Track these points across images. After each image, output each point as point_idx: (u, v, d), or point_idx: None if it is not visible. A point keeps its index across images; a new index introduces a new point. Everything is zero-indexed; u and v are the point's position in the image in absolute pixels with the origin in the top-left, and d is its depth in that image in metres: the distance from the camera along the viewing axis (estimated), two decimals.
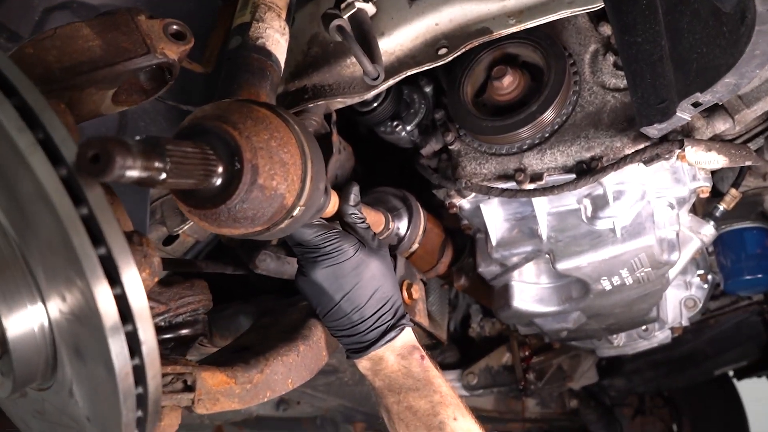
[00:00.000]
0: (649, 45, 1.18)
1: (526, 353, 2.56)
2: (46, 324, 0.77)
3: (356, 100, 1.57)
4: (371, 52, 1.38)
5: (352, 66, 1.53)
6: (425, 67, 1.47)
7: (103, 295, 0.67)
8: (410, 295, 1.57)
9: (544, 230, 1.62)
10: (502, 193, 1.52)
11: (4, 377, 0.80)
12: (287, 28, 1.33)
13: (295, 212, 0.98)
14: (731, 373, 3.36)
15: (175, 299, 0.92)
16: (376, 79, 1.39)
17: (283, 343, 1.13)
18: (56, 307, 0.74)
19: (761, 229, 1.94)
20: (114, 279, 0.68)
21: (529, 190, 1.51)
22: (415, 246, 1.67)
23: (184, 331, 0.94)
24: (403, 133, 1.74)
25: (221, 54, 1.37)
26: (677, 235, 1.63)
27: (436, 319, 2.21)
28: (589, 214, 1.58)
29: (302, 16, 1.56)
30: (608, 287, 1.68)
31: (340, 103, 1.59)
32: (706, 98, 1.08)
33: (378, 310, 1.24)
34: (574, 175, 1.47)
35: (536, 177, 1.51)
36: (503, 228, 1.71)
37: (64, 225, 0.65)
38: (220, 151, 0.87)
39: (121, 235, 0.68)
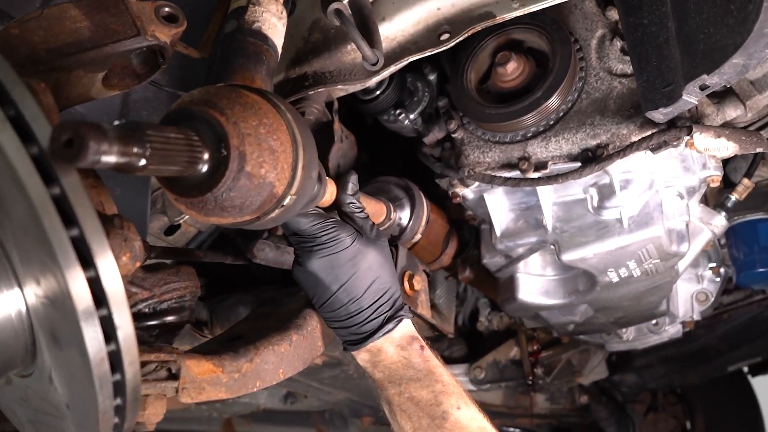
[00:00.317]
0: (655, 27, 1.14)
1: (535, 347, 2.53)
2: (24, 309, 0.75)
3: (358, 87, 1.54)
4: (371, 37, 1.35)
5: (353, 52, 1.50)
6: (427, 53, 1.44)
7: (75, 277, 0.64)
8: (412, 286, 1.54)
9: (549, 220, 1.59)
10: (505, 182, 1.49)
11: None
12: (285, 12, 1.30)
13: (286, 201, 0.96)
14: (746, 369, 3.29)
15: (160, 285, 0.90)
16: (375, 64, 1.36)
17: (276, 333, 1.11)
18: (32, 291, 0.72)
19: None
20: (87, 261, 0.65)
21: (533, 179, 1.47)
22: (418, 237, 1.64)
23: (170, 318, 0.92)
24: (406, 122, 1.71)
25: (217, 38, 1.35)
26: (687, 225, 1.59)
27: (443, 312, 2.18)
28: (595, 203, 1.54)
29: (303, 2, 1.54)
30: (615, 279, 1.64)
31: (341, 90, 1.56)
32: (713, 80, 1.04)
33: (375, 301, 1.21)
34: (579, 164, 1.43)
35: (541, 165, 1.48)
36: (508, 218, 1.67)
37: (34, 205, 0.63)
38: (206, 137, 0.85)
39: (95, 216, 0.66)
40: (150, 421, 0.87)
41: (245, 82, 1.15)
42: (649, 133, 1.37)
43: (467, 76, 1.56)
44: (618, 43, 1.45)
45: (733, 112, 1.44)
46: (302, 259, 1.20)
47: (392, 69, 1.47)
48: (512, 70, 1.49)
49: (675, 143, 1.35)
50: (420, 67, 1.74)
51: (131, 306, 0.86)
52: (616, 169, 1.46)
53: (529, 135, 1.49)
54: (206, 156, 0.83)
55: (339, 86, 1.52)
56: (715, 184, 1.54)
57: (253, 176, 0.87)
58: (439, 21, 1.44)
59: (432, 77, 1.73)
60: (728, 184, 1.85)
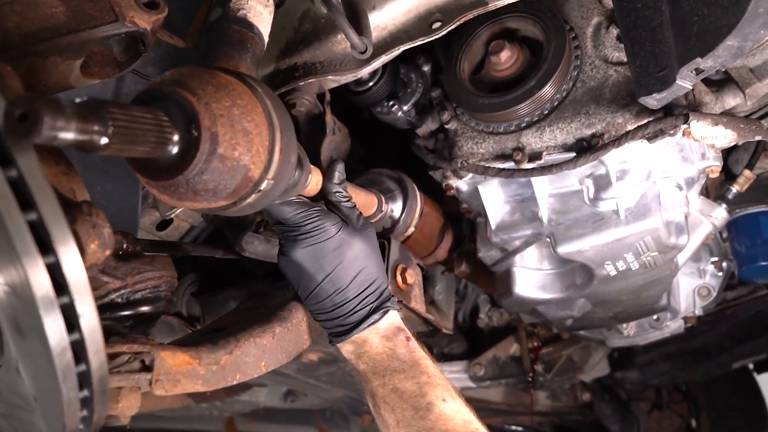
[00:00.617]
0: (648, 10, 1.11)
1: (535, 344, 2.49)
2: None
3: (349, 77, 1.51)
4: (359, 24, 1.32)
5: (344, 42, 1.47)
6: (418, 42, 1.41)
7: (34, 264, 0.62)
8: (405, 279, 1.52)
9: (544, 212, 1.56)
10: (498, 172, 1.46)
11: None
12: (271, 0, 1.28)
13: (263, 186, 0.93)
14: (751, 367, 3.25)
15: (133, 274, 0.88)
16: (364, 52, 1.33)
17: (258, 325, 1.08)
18: None
19: None
20: (47, 247, 0.63)
21: (526, 170, 1.44)
22: (411, 230, 1.61)
23: (145, 309, 0.89)
24: (400, 113, 1.68)
25: (203, 27, 1.32)
26: (686, 217, 1.55)
27: (442, 308, 2.16)
28: (591, 195, 1.50)
29: None
30: (613, 272, 1.61)
31: (332, 81, 1.53)
32: (708, 63, 1.00)
33: (361, 291, 1.18)
34: (574, 154, 1.40)
35: (535, 156, 1.44)
36: (503, 211, 1.64)
37: None
38: (177, 117, 0.82)
39: (54, 200, 0.63)
40: (124, 414, 0.85)
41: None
42: (644, 121, 1.33)
43: (460, 66, 1.53)
44: (614, 31, 1.42)
45: (732, 100, 1.40)
46: (286, 249, 1.17)
47: (384, 59, 1.44)
48: (506, 59, 1.46)
49: (672, 132, 1.32)
50: (414, 58, 1.71)
51: (103, 296, 0.84)
52: (613, 160, 1.43)
53: (523, 125, 1.46)
54: (176, 137, 0.81)
55: (330, 77, 1.49)
56: (715, 175, 1.51)
57: (226, 158, 0.84)
58: (430, 9, 1.41)
59: (426, 68, 1.71)
60: (730, 176, 1.82)
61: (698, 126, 1.30)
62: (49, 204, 0.63)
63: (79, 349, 0.67)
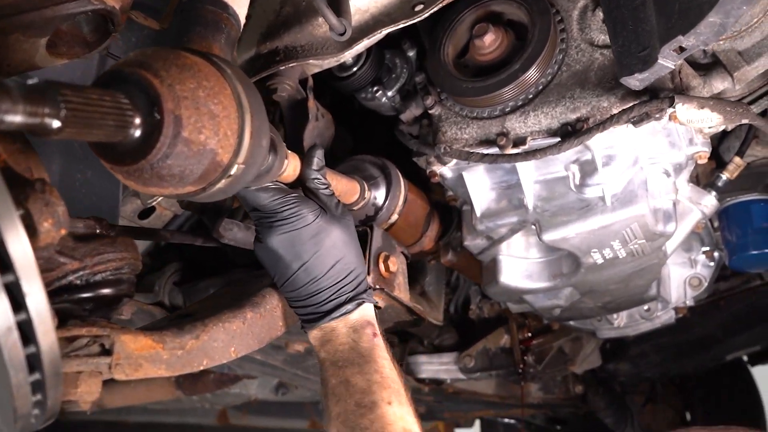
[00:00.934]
0: None
1: (526, 335, 2.47)
2: None
3: (331, 61, 1.49)
4: (338, 5, 1.30)
5: (325, 25, 1.44)
6: (401, 25, 1.38)
7: None
8: (387, 267, 1.49)
9: (530, 199, 1.53)
10: (482, 158, 1.43)
11: None
12: None
13: (234, 171, 0.90)
14: (745, 359, 3.23)
15: (92, 255, 0.85)
16: (342, 34, 1.31)
17: (229, 310, 1.06)
18: None
19: None
20: None
21: (510, 155, 1.41)
22: (395, 217, 1.58)
23: (106, 291, 0.86)
24: (384, 99, 1.66)
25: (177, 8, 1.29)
26: (674, 204, 1.53)
27: (432, 299, 2.13)
28: (577, 181, 1.48)
29: None
30: (600, 261, 1.58)
31: (314, 65, 1.51)
32: (690, 42, 0.98)
33: (338, 281, 1.16)
34: (558, 139, 1.38)
35: (519, 141, 1.42)
36: (488, 198, 1.61)
37: None
38: (139, 100, 0.79)
39: None
40: (84, 399, 0.82)
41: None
42: (630, 105, 1.31)
43: (445, 50, 1.50)
44: (600, 14, 1.39)
45: (720, 84, 1.38)
46: (262, 236, 1.15)
47: (366, 42, 1.42)
48: (490, 42, 1.43)
49: (657, 116, 1.29)
50: (399, 44, 1.68)
51: (61, 277, 0.81)
52: (599, 145, 1.40)
53: (507, 110, 1.44)
54: (138, 120, 0.78)
55: (311, 61, 1.46)
56: (703, 161, 1.48)
57: (192, 142, 0.82)
58: None
59: (411, 53, 1.68)
60: (721, 164, 1.79)
61: (684, 109, 1.27)
62: None
63: (27, 330, 0.64)
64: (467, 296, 2.68)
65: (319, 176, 1.20)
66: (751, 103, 1.53)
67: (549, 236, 1.51)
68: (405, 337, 2.61)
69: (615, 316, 2.15)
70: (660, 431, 3.34)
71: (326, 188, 1.22)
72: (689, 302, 2.10)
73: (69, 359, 0.80)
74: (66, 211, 0.72)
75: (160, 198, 1.68)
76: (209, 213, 1.36)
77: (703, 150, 1.46)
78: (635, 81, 1.11)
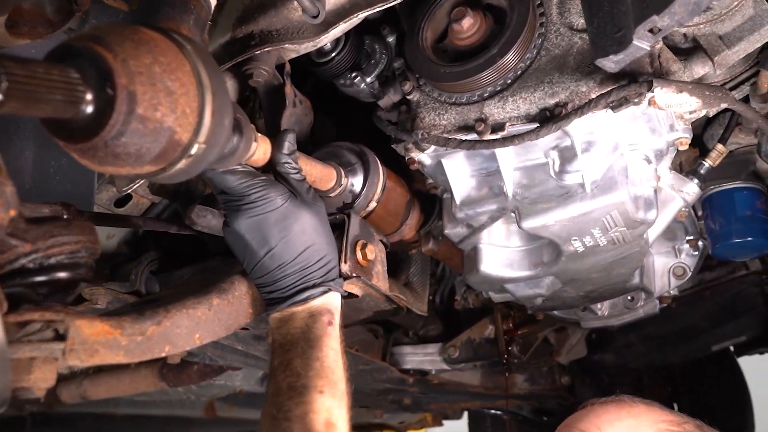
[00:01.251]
0: None
1: (510, 325, 2.46)
2: None
3: (308, 46, 1.46)
4: None
5: (300, 9, 1.42)
6: (378, 8, 1.36)
7: None
8: (365, 255, 1.47)
9: (509, 186, 1.51)
10: (459, 144, 1.41)
11: None
12: None
13: (194, 150, 0.88)
14: (732, 349, 3.22)
15: (45, 238, 0.82)
16: (316, 17, 1.28)
17: (194, 296, 1.04)
18: None
19: (752, 190, 1.80)
20: None
21: (488, 141, 1.39)
22: (373, 204, 1.55)
23: (61, 275, 0.84)
24: (363, 85, 1.63)
25: None
26: (655, 192, 1.51)
27: (416, 290, 2.11)
28: (556, 168, 1.46)
29: None
30: (581, 249, 1.56)
31: (291, 50, 1.48)
32: (665, 21, 0.96)
33: (306, 268, 1.14)
34: (537, 124, 1.36)
35: (498, 127, 1.40)
36: (468, 185, 1.59)
37: None
38: (90, 75, 0.77)
39: None
40: (38, 386, 0.80)
41: None
42: (608, 89, 1.29)
43: (423, 35, 1.48)
44: None
45: (700, 69, 1.36)
46: (230, 220, 1.13)
47: (342, 26, 1.39)
48: (468, 26, 1.41)
49: (636, 100, 1.27)
50: (379, 29, 1.66)
51: (12, 260, 0.79)
52: (578, 131, 1.38)
53: (485, 95, 1.41)
54: (89, 96, 0.76)
55: (287, 45, 1.44)
56: (684, 147, 1.46)
57: (147, 119, 0.79)
58: None
59: (391, 39, 1.65)
60: (705, 152, 1.77)
61: (662, 93, 1.25)
62: None
63: None
64: (453, 287, 2.66)
65: (289, 160, 1.18)
66: (733, 89, 1.51)
67: (528, 224, 1.50)
68: (390, 327, 2.60)
69: (598, 305, 2.14)
70: None
71: (297, 173, 1.19)
72: (673, 292, 2.08)
73: (21, 345, 0.78)
74: (14, 192, 0.70)
75: (136, 185, 1.66)
76: (182, 199, 1.33)
77: (684, 136, 1.44)
78: (610, 63, 1.09)
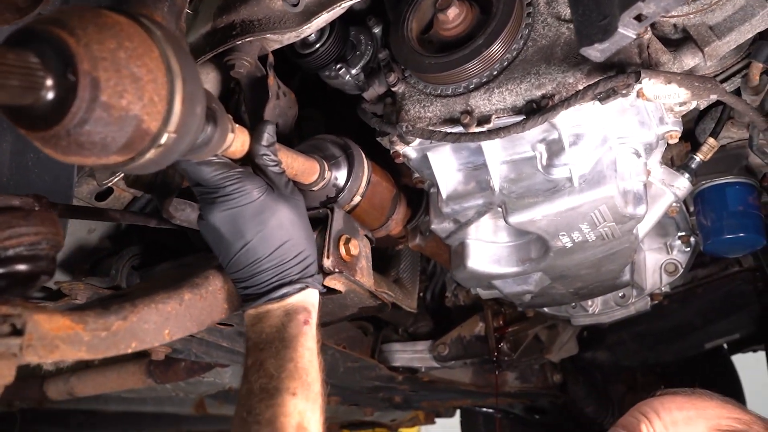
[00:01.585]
0: None
1: (501, 323, 2.43)
2: None
3: (291, 36, 1.43)
4: None
5: None
6: None
7: None
8: (348, 251, 1.44)
9: (496, 180, 1.48)
10: (444, 137, 1.38)
11: None
12: None
13: (163, 140, 0.84)
14: (726, 346, 3.20)
15: (2, 229, 0.80)
16: (296, 5, 1.25)
17: (164, 291, 1.00)
18: None
19: (745, 185, 1.77)
20: None
21: (474, 134, 1.36)
22: (358, 198, 1.52)
23: (20, 267, 0.81)
24: (348, 77, 1.60)
25: None
26: (644, 186, 1.48)
27: (406, 286, 2.09)
28: (544, 161, 1.43)
29: None
30: (569, 244, 1.54)
31: (273, 41, 1.45)
32: (650, 9, 0.93)
33: (282, 263, 1.11)
34: (524, 117, 1.33)
35: (484, 119, 1.37)
36: (455, 179, 1.56)
37: None
38: (51, 60, 0.73)
39: None
40: None
41: None
42: (595, 80, 1.26)
43: (408, 25, 1.45)
44: None
45: (690, 60, 1.33)
46: (205, 213, 1.10)
47: (325, 16, 1.36)
48: (453, 16, 1.38)
49: (624, 91, 1.24)
50: (364, 20, 1.63)
51: None
52: (565, 124, 1.35)
53: (471, 87, 1.38)
54: (50, 82, 0.72)
55: (269, 35, 1.41)
56: (674, 141, 1.44)
57: (112, 107, 0.76)
58: None
59: (376, 30, 1.62)
60: (697, 147, 1.75)
61: (651, 84, 1.22)
62: None
63: None
64: (444, 284, 2.64)
65: (268, 152, 1.15)
66: (724, 81, 1.49)
67: (515, 219, 1.47)
68: (379, 324, 2.57)
69: (589, 302, 2.11)
70: None
71: (276, 165, 1.16)
72: (665, 289, 2.06)
73: None
74: None
75: (116, 178, 1.63)
76: (158, 191, 1.30)
77: (674, 129, 1.42)
78: (596, 52, 1.06)
